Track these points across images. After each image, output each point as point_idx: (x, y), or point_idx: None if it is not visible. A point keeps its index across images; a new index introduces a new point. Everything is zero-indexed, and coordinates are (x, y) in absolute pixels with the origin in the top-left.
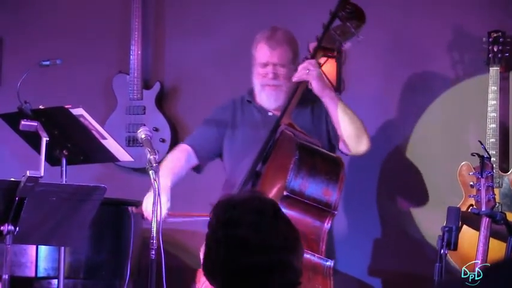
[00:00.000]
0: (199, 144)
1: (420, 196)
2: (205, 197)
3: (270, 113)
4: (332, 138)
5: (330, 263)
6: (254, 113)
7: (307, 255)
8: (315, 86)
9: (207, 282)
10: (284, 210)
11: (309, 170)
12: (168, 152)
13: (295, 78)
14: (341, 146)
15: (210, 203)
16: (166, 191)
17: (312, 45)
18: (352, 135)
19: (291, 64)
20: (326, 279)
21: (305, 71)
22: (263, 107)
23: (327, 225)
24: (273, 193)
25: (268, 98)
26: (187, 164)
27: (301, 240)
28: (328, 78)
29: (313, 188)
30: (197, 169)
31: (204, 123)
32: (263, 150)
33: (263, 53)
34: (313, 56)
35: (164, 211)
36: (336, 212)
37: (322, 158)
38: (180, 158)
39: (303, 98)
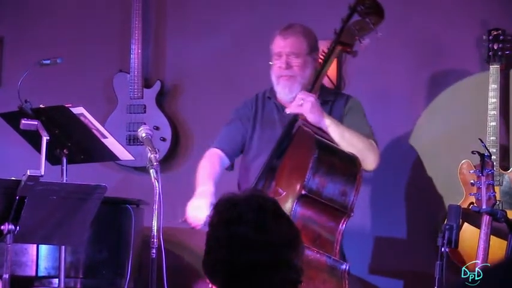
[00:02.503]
0: (228, 146)
1: (421, 193)
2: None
3: (287, 111)
4: None
5: (345, 266)
6: (273, 111)
7: (322, 257)
8: (310, 120)
9: None
10: (300, 209)
11: (327, 169)
12: (169, 150)
13: (288, 110)
14: None
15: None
16: (210, 196)
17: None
18: (358, 154)
19: (307, 55)
20: (341, 283)
21: (299, 102)
22: (282, 104)
23: (341, 226)
24: (290, 191)
25: (283, 89)
26: (222, 167)
27: (301, 238)
28: (329, 77)
29: (330, 187)
30: (229, 168)
31: (229, 121)
32: (279, 144)
33: (277, 43)
34: (331, 51)
35: (205, 215)
36: (352, 214)
37: (340, 157)
38: (214, 163)
39: (323, 96)
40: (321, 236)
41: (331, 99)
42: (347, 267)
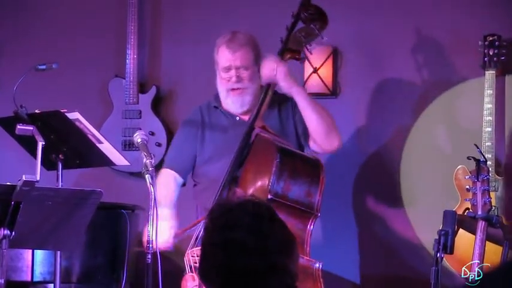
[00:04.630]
0: (180, 165)
1: (416, 199)
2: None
3: (237, 118)
4: (301, 137)
5: (318, 265)
6: (222, 118)
7: None
8: (283, 86)
9: None
10: None
11: (290, 172)
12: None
13: (264, 81)
14: (311, 144)
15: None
16: (170, 219)
17: None
18: (322, 132)
19: (254, 65)
20: (317, 282)
21: (272, 72)
22: (230, 112)
23: (310, 227)
24: (256, 197)
25: (234, 104)
26: (177, 187)
27: (296, 243)
28: (324, 83)
29: (295, 190)
30: (183, 185)
31: (176, 138)
32: (239, 154)
33: (225, 56)
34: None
35: (168, 237)
36: (318, 214)
37: (302, 160)
38: (169, 184)
39: (270, 100)
40: None
41: (277, 101)
42: (320, 266)
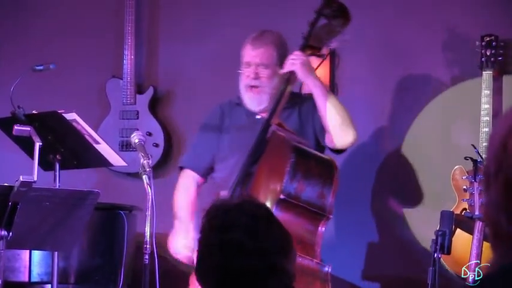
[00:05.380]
0: (199, 164)
1: (414, 200)
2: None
3: (258, 116)
4: (319, 135)
5: (327, 269)
6: (242, 116)
7: (304, 260)
8: (300, 74)
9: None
10: (279, 213)
11: (304, 173)
12: (162, 156)
13: (282, 70)
14: (327, 139)
15: (202, 208)
16: (192, 232)
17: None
18: (337, 125)
19: (275, 65)
20: (325, 286)
21: (290, 62)
22: (250, 110)
23: (321, 228)
24: (267, 196)
25: (251, 101)
26: (197, 187)
27: (293, 243)
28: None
29: (308, 191)
30: (204, 183)
31: (196, 137)
32: (254, 150)
33: (247, 52)
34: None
35: (188, 252)
36: (331, 216)
37: (316, 160)
38: (189, 188)
39: (290, 101)
40: (302, 239)
41: (298, 103)
42: (329, 269)
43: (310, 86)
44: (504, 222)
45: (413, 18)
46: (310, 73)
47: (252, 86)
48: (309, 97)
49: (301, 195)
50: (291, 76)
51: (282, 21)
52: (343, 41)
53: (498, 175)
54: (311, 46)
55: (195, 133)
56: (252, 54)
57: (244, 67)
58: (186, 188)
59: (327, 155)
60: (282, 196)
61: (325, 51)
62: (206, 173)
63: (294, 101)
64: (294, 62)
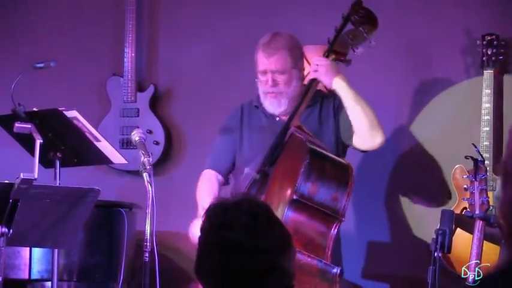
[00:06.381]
0: (221, 165)
1: (414, 199)
2: None
3: (277, 118)
4: (342, 134)
5: (336, 270)
6: (262, 118)
7: (313, 261)
8: (324, 81)
9: None
10: (292, 214)
11: (319, 174)
12: (162, 154)
13: (306, 80)
14: (355, 140)
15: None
16: None
17: (308, 47)
18: (364, 125)
19: (291, 69)
20: (332, 287)
21: (314, 68)
22: (270, 112)
23: (333, 231)
24: (281, 196)
25: (271, 105)
26: (220, 186)
27: (292, 242)
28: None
29: (322, 193)
30: (224, 184)
31: (218, 138)
32: (272, 151)
33: (261, 60)
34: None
35: None
36: (343, 219)
37: (332, 163)
38: (213, 184)
39: (312, 99)
40: (313, 240)
41: (320, 101)
42: (338, 271)
43: (337, 90)
44: None
45: (414, 17)
46: (335, 78)
47: (271, 93)
48: (331, 95)
49: (315, 197)
50: (313, 83)
51: (282, 20)
52: (368, 47)
53: None
54: (335, 51)
55: (217, 134)
56: (266, 62)
57: (260, 75)
58: (209, 179)
59: (343, 159)
60: (295, 197)
61: (349, 57)
62: (227, 173)
63: (315, 99)
64: (317, 69)
